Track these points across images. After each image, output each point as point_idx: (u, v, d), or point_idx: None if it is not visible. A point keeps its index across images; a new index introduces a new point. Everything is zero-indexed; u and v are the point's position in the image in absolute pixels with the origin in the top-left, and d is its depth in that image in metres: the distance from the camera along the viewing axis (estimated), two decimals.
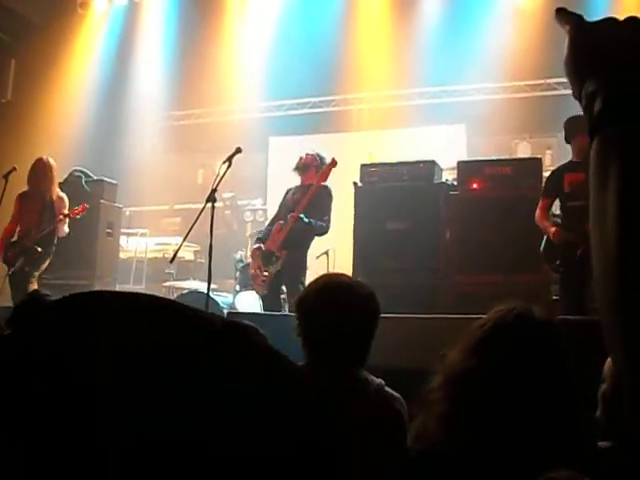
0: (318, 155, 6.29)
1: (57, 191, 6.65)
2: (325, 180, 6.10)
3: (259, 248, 6.17)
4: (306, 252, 6.24)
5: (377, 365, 2.14)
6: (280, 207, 6.41)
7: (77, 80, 10.62)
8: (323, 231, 6.10)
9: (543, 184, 5.73)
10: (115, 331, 0.62)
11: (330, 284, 2.20)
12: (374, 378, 2.09)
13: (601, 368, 1.76)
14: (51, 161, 6.69)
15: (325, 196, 6.11)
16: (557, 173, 5.49)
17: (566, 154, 5.86)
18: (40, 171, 6.57)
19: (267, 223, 6.59)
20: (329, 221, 6.09)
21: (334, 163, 6.13)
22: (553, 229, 5.26)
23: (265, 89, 10.72)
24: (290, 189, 6.41)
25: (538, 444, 1.29)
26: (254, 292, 6.59)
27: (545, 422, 1.31)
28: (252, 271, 6.24)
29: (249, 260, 7.65)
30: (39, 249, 6.32)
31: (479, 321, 1.45)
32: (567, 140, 5.31)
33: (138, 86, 11.03)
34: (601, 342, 0.74)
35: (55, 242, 6.48)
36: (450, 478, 1.29)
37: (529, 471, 1.02)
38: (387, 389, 2.09)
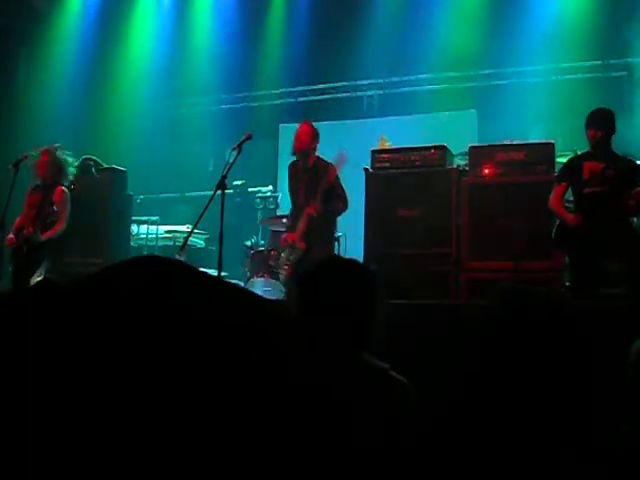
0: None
1: (61, 187, 6.31)
2: (335, 174, 6.10)
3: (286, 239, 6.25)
4: (331, 237, 6.30)
5: (385, 350, 2.12)
6: (291, 192, 6.42)
7: (87, 67, 10.58)
8: (340, 210, 6.16)
9: (559, 170, 5.72)
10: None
11: (328, 265, 2.21)
12: (378, 362, 2.07)
13: (614, 353, 1.74)
14: (55, 151, 6.36)
15: (334, 182, 6.10)
16: (576, 161, 5.51)
17: (578, 139, 5.83)
18: (40, 163, 6.28)
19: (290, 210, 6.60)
20: (344, 198, 6.15)
21: (343, 158, 6.12)
22: (572, 215, 5.27)
23: (276, 76, 10.69)
24: (292, 165, 6.41)
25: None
26: (264, 279, 6.60)
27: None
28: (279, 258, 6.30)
29: (260, 247, 7.67)
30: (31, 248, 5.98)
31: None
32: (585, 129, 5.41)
33: (149, 73, 10.99)
34: (613, 326, 0.73)
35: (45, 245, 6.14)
36: None
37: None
38: (392, 373, 2.06)
